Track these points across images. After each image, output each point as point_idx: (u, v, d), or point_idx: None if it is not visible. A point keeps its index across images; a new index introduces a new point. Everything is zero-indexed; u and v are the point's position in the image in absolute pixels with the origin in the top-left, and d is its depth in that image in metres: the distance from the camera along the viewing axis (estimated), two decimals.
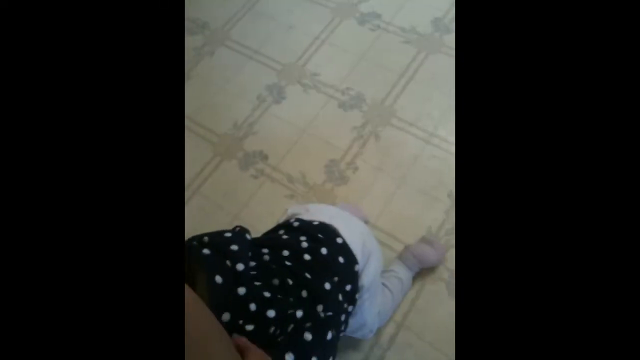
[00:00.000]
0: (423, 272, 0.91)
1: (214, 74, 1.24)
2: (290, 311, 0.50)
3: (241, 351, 0.42)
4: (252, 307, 0.48)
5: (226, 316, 0.47)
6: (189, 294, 0.39)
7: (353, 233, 0.67)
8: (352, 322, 0.71)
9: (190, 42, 1.31)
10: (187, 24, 1.35)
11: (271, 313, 0.48)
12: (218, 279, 0.48)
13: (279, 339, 0.49)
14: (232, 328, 0.46)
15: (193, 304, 0.39)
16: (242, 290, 0.49)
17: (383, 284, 0.82)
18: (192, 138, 1.12)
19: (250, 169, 1.07)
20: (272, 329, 0.48)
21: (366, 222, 0.94)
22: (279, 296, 0.51)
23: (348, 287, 0.62)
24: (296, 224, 0.66)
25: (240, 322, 0.47)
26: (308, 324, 0.52)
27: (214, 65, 1.26)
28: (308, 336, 0.50)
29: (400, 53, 1.21)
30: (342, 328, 0.62)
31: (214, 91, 1.21)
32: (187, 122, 1.15)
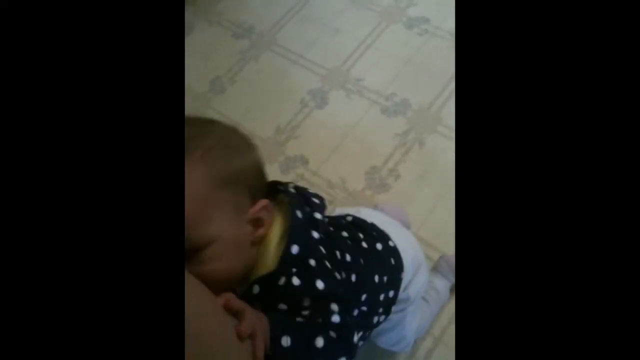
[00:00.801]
0: None
1: (259, 78, 1.25)
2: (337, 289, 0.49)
3: (236, 313, 0.41)
4: (312, 262, 0.48)
5: (295, 249, 0.48)
6: (192, 285, 0.38)
7: (404, 241, 0.65)
8: (392, 336, 0.69)
9: (237, 45, 1.33)
10: (233, 28, 1.37)
11: (320, 284, 0.47)
12: (298, 213, 0.50)
13: (304, 313, 0.47)
14: (293, 263, 0.48)
15: (197, 296, 0.38)
16: (315, 234, 0.50)
17: (423, 297, 0.80)
18: None
19: (290, 172, 1.06)
20: (306, 301, 0.47)
21: (408, 227, 0.92)
22: (336, 273, 0.50)
23: (391, 294, 0.60)
24: (349, 218, 0.65)
25: (294, 270, 0.47)
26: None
27: (259, 70, 1.27)
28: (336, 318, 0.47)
29: (449, 58, 1.17)
30: (367, 334, 0.60)
31: (259, 95, 1.22)
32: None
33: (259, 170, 0.51)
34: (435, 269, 0.87)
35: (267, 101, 1.20)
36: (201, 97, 1.23)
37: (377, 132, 1.09)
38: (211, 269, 0.45)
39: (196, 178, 0.44)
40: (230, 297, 0.41)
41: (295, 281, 0.46)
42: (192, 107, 1.20)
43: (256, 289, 0.48)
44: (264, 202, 0.49)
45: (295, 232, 0.49)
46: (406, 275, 0.63)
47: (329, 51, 1.26)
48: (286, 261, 0.47)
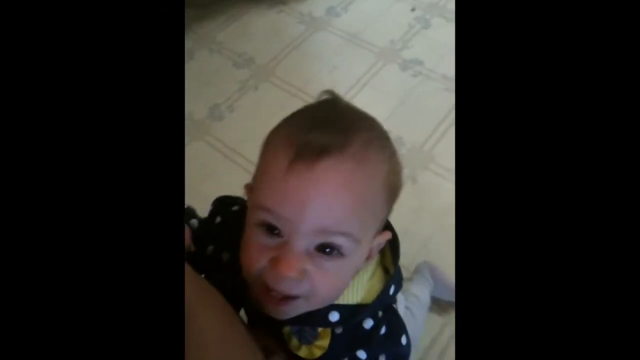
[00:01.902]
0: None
1: (258, 107, 1.28)
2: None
3: (267, 354, 0.41)
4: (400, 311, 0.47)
5: (392, 290, 0.47)
6: (196, 288, 0.39)
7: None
8: None
9: (237, 75, 1.37)
10: (234, 58, 1.41)
11: (404, 339, 0.46)
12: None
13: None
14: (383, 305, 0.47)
15: (203, 301, 0.39)
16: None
17: (406, 307, 0.80)
18: (234, 168, 1.15)
19: None
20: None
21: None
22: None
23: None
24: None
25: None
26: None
27: (258, 100, 1.30)
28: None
29: (441, 100, 1.23)
30: None
31: (257, 124, 1.24)
32: (228, 152, 1.19)
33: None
34: (413, 274, 0.89)
35: (264, 130, 1.22)
36: (200, 123, 1.26)
37: None
38: (335, 273, 0.42)
39: (382, 174, 0.43)
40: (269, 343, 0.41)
41: (383, 330, 0.45)
42: (191, 132, 1.23)
43: (335, 315, 0.45)
44: (389, 234, 0.48)
45: (397, 273, 0.48)
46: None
47: (326, 86, 1.29)
48: (382, 300, 0.46)
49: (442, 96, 1.24)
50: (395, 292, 0.48)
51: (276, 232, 0.41)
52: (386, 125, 0.49)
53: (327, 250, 0.41)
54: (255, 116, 1.27)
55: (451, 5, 1.44)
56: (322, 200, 0.39)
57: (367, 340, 0.45)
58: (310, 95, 1.28)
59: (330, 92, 0.50)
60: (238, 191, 0.64)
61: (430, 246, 0.99)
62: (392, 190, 0.45)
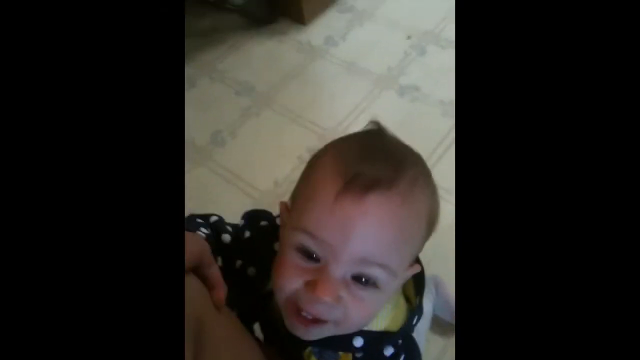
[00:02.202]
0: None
1: (259, 133, 1.31)
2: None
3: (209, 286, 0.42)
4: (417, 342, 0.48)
5: (414, 320, 0.48)
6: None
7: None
8: None
9: (238, 102, 1.40)
10: (235, 86, 1.44)
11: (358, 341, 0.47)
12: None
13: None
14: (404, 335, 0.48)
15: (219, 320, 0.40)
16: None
17: None
18: (235, 192, 1.17)
19: None
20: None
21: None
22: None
23: None
24: None
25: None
26: None
27: (259, 126, 1.33)
28: None
29: (438, 124, 1.26)
30: None
31: (258, 150, 1.28)
32: (230, 177, 1.21)
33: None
34: None
35: (266, 156, 1.26)
36: (202, 149, 1.28)
37: None
38: (369, 302, 0.43)
39: (425, 211, 0.45)
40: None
41: (402, 358, 0.47)
42: (193, 158, 1.25)
43: (359, 341, 0.46)
44: (418, 267, 0.49)
45: (420, 305, 0.49)
46: None
47: (326, 113, 1.34)
48: (405, 329, 0.48)
49: (439, 120, 1.27)
50: (417, 322, 0.49)
51: (314, 256, 0.42)
52: None
53: (363, 280, 0.42)
54: (256, 142, 1.29)
55: (445, 34, 1.49)
56: (367, 232, 0.40)
57: None
58: (311, 121, 1.31)
59: (376, 122, 0.53)
60: (240, 214, 0.66)
61: (429, 269, 1.00)
62: (431, 226, 0.47)
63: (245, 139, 1.31)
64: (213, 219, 0.58)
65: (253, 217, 0.60)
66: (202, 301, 0.42)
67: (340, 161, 0.43)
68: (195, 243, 0.44)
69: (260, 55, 1.53)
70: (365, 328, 0.47)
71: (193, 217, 0.57)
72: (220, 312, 0.44)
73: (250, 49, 1.55)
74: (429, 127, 1.26)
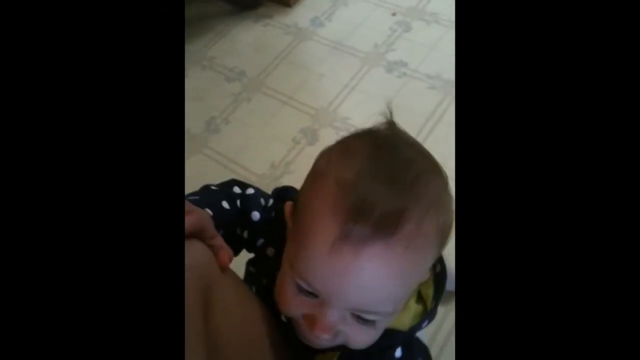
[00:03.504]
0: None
1: (252, 118, 1.34)
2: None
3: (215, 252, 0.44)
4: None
5: (425, 324, 0.48)
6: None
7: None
8: None
9: (229, 88, 1.42)
10: (225, 72, 1.46)
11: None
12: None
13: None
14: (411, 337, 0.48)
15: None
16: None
17: None
18: (233, 177, 1.20)
19: None
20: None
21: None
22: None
23: None
24: None
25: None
26: None
27: (252, 110, 1.35)
28: None
29: (427, 98, 1.29)
30: None
31: (253, 134, 1.30)
32: (227, 163, 1.24)
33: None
34: None
35: (261, 139, 1.28)
36: (197, 137, 1.31)
37: None
38: (369, 331, 0.43)
39: (434, 244, 0.41)
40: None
41: (398, 353, 0.47)
42: (190, 146, 1.28)
43: None
44: (427, 275, 0.47)
45: (434, 311, 0.48)
46: None
47: (316, 93, 1.36)
48: (413, 331, 0.47)
49: (427, 94, 1.30)
50: (427, 324, 0.49)
51: (312, 292, 0.41)
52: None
53: (361, 319, 0.41)
54: (250, 126, 1.32)
55: (429, 8, 1.50)
56: (363, 285, 0.38)
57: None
58: (301, 102, 1.33)
59: (390, 122, 0.49)
60: None
61: None
62: (443, 242, 0.43)
63: (239, 124, 1.33)
64: (249, 191, 0.59)
65: (277, 196, 0.60)
66: (210, 266, 0.44)
67: (340, 196, 0.39)
68: (193, 213, 0.44)
69: (248, 41, 1.54)
70: None
71: (222, 188, 0.59)
72: (225, 274, 0.46)
73: (238, 35, 1.56)
74: (418, 102, 1.28)
